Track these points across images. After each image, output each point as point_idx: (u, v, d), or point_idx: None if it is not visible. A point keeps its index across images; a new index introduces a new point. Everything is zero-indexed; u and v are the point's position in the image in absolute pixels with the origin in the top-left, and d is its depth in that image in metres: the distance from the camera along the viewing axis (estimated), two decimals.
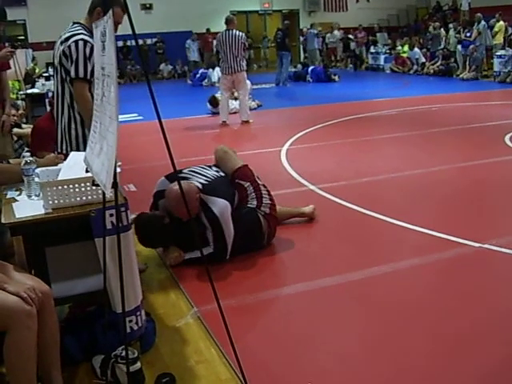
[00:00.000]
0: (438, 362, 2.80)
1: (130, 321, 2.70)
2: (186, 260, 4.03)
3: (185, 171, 4.27)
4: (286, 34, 17.20)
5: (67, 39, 3.56)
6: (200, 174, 4.22)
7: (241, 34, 10.08)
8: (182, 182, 3.92)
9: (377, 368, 2.79)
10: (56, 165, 3.08)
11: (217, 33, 10.76)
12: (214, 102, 11.26)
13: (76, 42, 3.51)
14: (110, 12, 1.96)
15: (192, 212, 3.83)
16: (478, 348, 2.91)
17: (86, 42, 3.51)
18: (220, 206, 3.97)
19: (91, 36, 3.58)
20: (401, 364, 2.80)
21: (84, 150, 3.36)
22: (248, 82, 12.07)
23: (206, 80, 18.57)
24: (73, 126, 3.68)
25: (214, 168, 4.37)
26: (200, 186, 4.02)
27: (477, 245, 4.17)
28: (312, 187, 5.87)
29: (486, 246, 4.14)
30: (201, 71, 19.24)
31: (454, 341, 2.99)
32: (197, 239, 3.47)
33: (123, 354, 2.57)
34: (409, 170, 6.39)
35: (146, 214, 4.16)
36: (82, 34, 3.55)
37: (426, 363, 2.80)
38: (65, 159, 3.19)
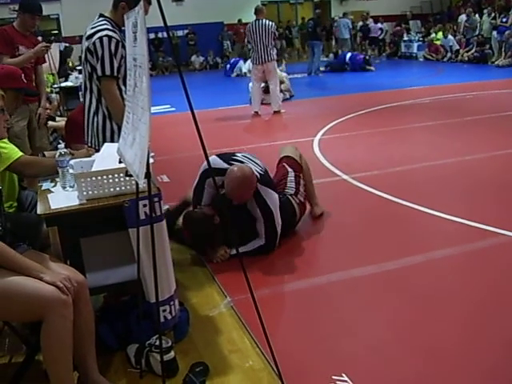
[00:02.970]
0: (472, 355, 2.77)
1: (164, 310, 2.72)
2: (231, 255, 3.99)
3: (238, 155, 4.22)
4: (318, 23, 17.08)
5: (92, 35, 3.55)
6: (253, 161, 4.20)
7: (271, 23, 10.04)
8: (246, 165, 3.99)
9: (409, 357, 2.76)
10: (89, 156, 3.11)
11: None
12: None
13: (100, 38, 3.50)
14: (142, 3, 1.97)
15: (246, 198, 3.93)
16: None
17: (110, 37, 3.51)
18: (273, 199, 4.02)
19: (117, 30, 3.60)
20: (433, 354, 2.77)
21: (111, 143, 3.41)
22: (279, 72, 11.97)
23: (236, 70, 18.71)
24: (100, 119, 3.70)
25: (259, 158, 4.38)
26: (258, 175, 4.01)
27: None
28: (345, 177, 5.84)
29: None
30: (233, 60, 19.33)
31: (487, 331, 2.94)
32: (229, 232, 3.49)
33: (157, 343, 2.60)
34: (443, 158, 6.31)
35: (195, 213, 4.05)
36: (106, 29, 3.53)
37: (458, 353, 2.77)
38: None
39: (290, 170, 4.48)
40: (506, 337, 2.89)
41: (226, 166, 4.03)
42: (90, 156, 3.15)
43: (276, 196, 4.07)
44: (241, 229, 3.90)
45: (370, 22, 22.14)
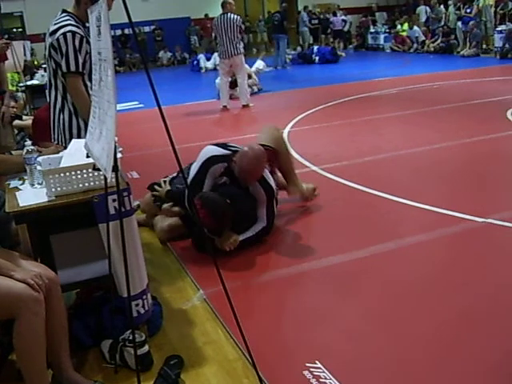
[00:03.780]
0: (446, 338, 2.82)
1: (137, 304, 2.72)
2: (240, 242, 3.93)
3: (231, 144, 4.30)
4: (284, 17, 17.15)
5: (55, 31, 3.50)
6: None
7: (236, 17, 10.03)
8: (256, 145, 4.11)
9: (382, 343, 2.80)
10: (57, 153, 3.09)
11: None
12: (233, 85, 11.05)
13: (64, 34, 3.46)
14: None
15: (259, 176, 4.02)
16: (485, 323, 2.92)
17: (74, 33, 3.47)
18: (270, 177, 4.12)
19: (80, 25, 3.57)
20: (407, 340, 2.82)
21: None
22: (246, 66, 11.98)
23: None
24: (66, 116, 3.67)
25: None
26: None
27: (481, 220, 4.17)
28: (314, 168, 5.87)
29: (489, 220, 4.14)
30: (199, 56, 19.31)
31: (461, 316, 3.00)
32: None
33: (131, 337, 2.60)
34: (411, 147, 6.38)
35: (210, 193, 3.91)
36: (69, 25, 3.49)
37: (432, 339, 2.81)
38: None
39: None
40: (481, 320, 2.95)
41: (226, 151, 4.10)
42: (58, 153, 3.13)
43: (270, 175, 4.16)
44: (245, 215, 3.97)
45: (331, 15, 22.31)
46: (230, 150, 4.14)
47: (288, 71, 16.82)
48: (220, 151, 4.12)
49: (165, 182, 4.43)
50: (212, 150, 4.14)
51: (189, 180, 4.11)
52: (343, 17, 22.31)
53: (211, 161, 4.08)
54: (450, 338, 2.81)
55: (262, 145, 4.51)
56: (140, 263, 2.73)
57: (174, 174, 4.47)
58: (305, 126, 8.18)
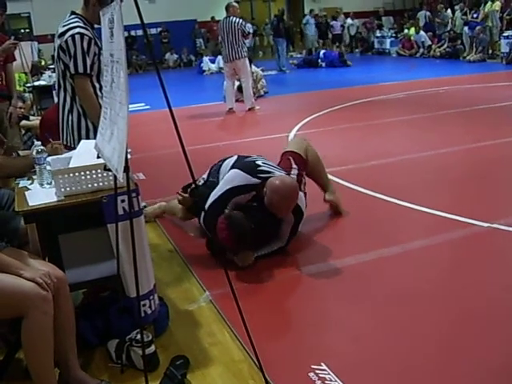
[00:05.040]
0: (450, 341, 2.82)
1: (144, 305, 2.73)
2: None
3: (259, 162, 4.05)
4: (281, 20, 17.22)
5: (64, 33, 3.54)
6: (276, 167, 4.12)
7: (238, 20, 10.01)
8: (288, 177, 3.93)
9: (389, 347, 2.81)
10: (57, 153, 3.11)
11: None
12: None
13: (72, 36, 3.49)
14: None
15: (291, 209, 3.86)
16: (489, 326, 2.92)
17: (82, 35, 3.50)
18: (303, 200, 4.02)
19: (89, 27, 3.60)
20: (412, 343, 2.82)
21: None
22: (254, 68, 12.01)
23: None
24: (75, 117, 3.70)
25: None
26: None
27: (486, 225, 4.17)
28: None
29: (495, 225, 4.14)
30: (204, 59, 19.44)
31: (465, 320, 3.01)
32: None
33: (138, 337, 2.62)
34: (417, 152, 6.38)
35: (237, 213, 3.74)
36: (78, 27, 3.52)
37: (438, 343, 2.81)
38: (68, 150, 3.25)
39: (294, 166, 4.31)
40: (487, 324, 2.95)
41: (254, 180, 3.88)
42: (57, 152, 3.16)
43: (302, 195, 4.04)
44: (268, 237, 3.91)
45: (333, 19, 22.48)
46: (259, 177, 3.89)
47: (294, 74, 16.82)
48: (248, 180, 3.88)
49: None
50: (239, 178, 3.91)
51: (210, 201, 3.93)
52: (343, 21, 22.38)
53: (237, 191, 3.88)
54: (454, 341, 2.82)
55: (291, 151, 4.45)
56: (147, 264, 2.74)
57: (205, 176, 4.32)
58: (310, 130, 8.17)
